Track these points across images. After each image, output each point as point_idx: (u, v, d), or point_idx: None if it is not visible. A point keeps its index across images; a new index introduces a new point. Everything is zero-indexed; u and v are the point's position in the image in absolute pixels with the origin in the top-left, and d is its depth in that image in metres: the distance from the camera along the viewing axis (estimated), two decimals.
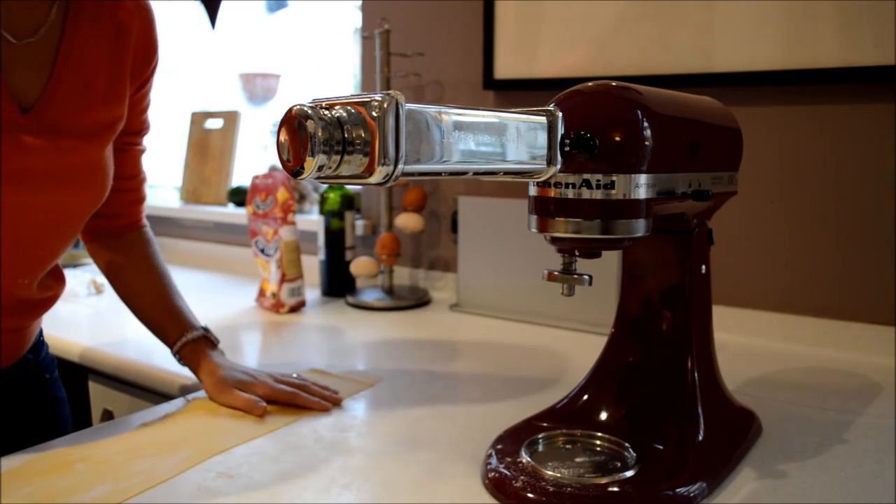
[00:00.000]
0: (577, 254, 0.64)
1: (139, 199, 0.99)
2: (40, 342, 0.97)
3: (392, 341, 1.16)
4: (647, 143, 0.60)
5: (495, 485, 0.65)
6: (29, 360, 0.93)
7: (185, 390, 0.94)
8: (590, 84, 0.63)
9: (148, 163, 0.99)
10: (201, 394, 0.89)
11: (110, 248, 0.97)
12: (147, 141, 0.98)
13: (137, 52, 0.88)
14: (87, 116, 0.83)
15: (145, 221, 1.01)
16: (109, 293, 1.48)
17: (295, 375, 0.91)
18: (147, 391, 1.04)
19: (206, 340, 0.92)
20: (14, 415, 0.90)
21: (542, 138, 0.56)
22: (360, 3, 1.60)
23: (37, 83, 0.80)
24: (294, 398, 0.85)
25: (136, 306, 0.96)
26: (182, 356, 0.91)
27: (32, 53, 0.80)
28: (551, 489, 0.62)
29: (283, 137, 0.45)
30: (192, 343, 0.91)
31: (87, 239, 0.98)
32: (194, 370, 0.90)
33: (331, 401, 0.87)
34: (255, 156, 2.07)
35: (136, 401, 1.06)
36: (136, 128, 0.94)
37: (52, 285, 0.90)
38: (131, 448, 0.74)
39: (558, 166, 0.58)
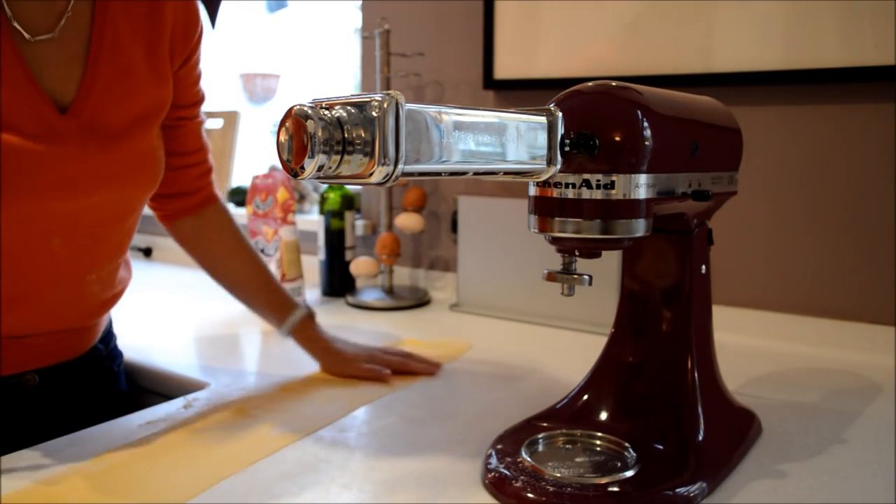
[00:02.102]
0: (577, 254, 0.64)
1: (206, 171, 0.98)
2: (110, 333, 0.99)
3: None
4: (646, 143, 0.60)
5: (495, 485, 0.65)
6: (100, 351, 0.94)
7: (185, 390, 0.94)
8: (590, 84, 0.63)
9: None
10: (201, 394, 0.89)
11: (192, 227, 0.98)
12: (203, 110, 0.96)
13: (177, 26, 0.86)
14: (128, 107, 0.81)
15: (218, 192, 1.00)
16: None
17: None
18: (147, 391, 1.04)
19: (311, 317, 0.98)
20: (83, 404, 0.91)
21: (542, 138, 0.56)
22: (360, 3, 1.60)
23: (72, 80, 0.78)
24: (405, 365, 0.95)
25: (234, 288, 1.00)
26: (294, 335, 0.97)
27: (60, 49, 0.77)
28: (551, 489, 0.62)
29: (283, 137, 0.45)
30: (301, 322, 0.97)
31: (165, 222, 0.98)
32: (308, 348, 0.97)
33: (434, 365, 0.97)
34: (255, 156, 2.07)
35: (137, 401, 1.06)
36: (190, 100, 0.92)
37: (122, 278, 0.92)
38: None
39: (558, 166, 0.58)
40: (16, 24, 0.74)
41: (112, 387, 0.98)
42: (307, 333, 0.97)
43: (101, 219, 0.83)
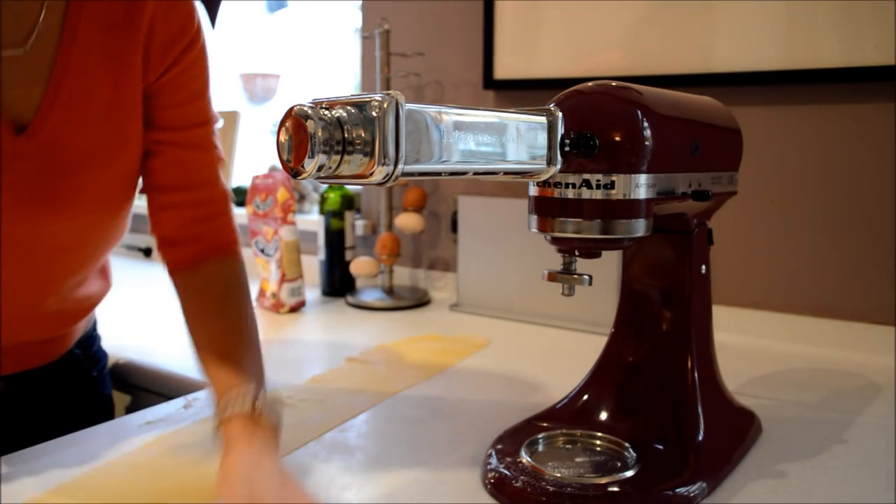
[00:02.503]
0: (577, 254, 0.64)
1: (213, 216, 0.78)
2: (92, 336, 0.95)
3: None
4: (646, 143, 0.60)
5: (495, 485, 0.65)
6: (76, 356, 0.90)
7: (185, 390, 0.94)
8: (590, 84, 0.63)
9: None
10: (201, 394, 0.89)
11: (182, 285, 0.78)
12: (215, 140, 0.78)
13: (155, 29, 0.73)
14: (91, 132, 0.72)
15: (238, 249, 0.80)
16: (109, 293, 1.48)
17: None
18: (147, 391, 1.04)
19: (248, 419, 0.65)
20: (55, 410, 0.88)
21: (542, 138, 0.56)
22: (360, 3, 1.60)
23: (32, 99, 0.69)
24: None
25: (195, 347, 0.75)
26: (217, 426, 0.66)
27: (25, 64, 0.69)
28: (551, 489, 0.62)
29: (283, 137, 0.45)
30: (232, 419, 0.65)
31: (169, 270, 0.79)
32: (222, 450, 0.64)
33: None
34: (255, 156, 2.07)
35: (137, 401, 1.06)
36: (175, 122, 0.76)
37: (92, 294, 0.86)
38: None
39: (558, 166, 0.58)
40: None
41: (92, 391, 0.93)
42: (231, 435, 0.64)
43: (57, 246, 0.74)
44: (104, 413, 0.96)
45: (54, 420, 0.86)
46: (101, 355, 0.97)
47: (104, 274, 0.89)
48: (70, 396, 0.90)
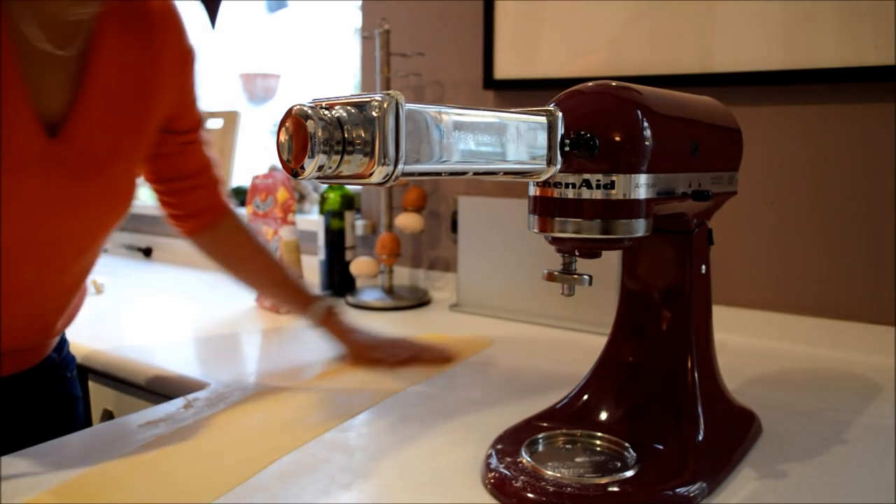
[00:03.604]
0: (577, 254, 0.64)
1: (215, 185, 1.00)
2: (63, 340, 0.98)
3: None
4: (647, 143, 0.60)
5: (495, 485, 0.65)
6: (52, 359, 0.93)
7: (185, 390, 0.94)
8: (590, 84, 0.63)
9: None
10: (201, 394, 0.89)
11: (211, 239, 1.02)
12: (204, 132, 0.99)
13: (169, 61, 0.86)
14: (115, 138, 0.80)
15: (228, 202, 1.03)
16: (110, 293, 1.48)
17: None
18: (147, 391, 1.04)
19: (332, 308, 1.03)
20: (33, 412, 0.90)
21: (542, 138, 0.56)
22: (360, 3, 1.60)
23: (60, 100, 0.74)
24: (425, 353, 1.02)
25: (257, 287, 1.09)
26: (319, 326, 1.02)
27: (58, 67, 0.74)
28: (551, 489, 0.62)
29: (282, 137, 0.45)
30: (325, 313, 1.02)
31: (187, 237, 1.01)
32: (333, 337, 1.03)
33: (449, 357, 1.03)
34: (255, 156, 2.07)
35: (137, 401, 1.06)
36: (190, 125, 0.94)
37: (75, 305, 0.92)
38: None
39: (558, 166, 0.58)
40: (41, 44, 0.72)
41: (65, 393, 0.97)
42: (331, 324, 1.03)
43: (75, 248, 0.82)
44: (78, 411, 0.99)
45: (38, 421, 0.89)
46: (71, 358, 1.00)
47: (83, 289, 0.93)
48: (50, 398, 0.93)
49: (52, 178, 0.74)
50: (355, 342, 1.02)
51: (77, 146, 0.75)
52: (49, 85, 0.73)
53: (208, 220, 1.00)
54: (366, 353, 1.01)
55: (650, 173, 0.60)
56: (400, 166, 0.45)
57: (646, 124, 0.60)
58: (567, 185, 0.60)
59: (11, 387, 0.87)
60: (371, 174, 0.45)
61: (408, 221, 1.42)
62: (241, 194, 1.84)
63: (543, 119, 0.56)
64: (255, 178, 1.41)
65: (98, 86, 0.76)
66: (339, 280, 1.49)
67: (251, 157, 2.03)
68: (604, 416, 0.74)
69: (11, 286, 0.77)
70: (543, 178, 0.59)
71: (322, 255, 1.49)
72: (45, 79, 0.73)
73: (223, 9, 1.80)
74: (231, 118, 1.93)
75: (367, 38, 1.50)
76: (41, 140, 0.72)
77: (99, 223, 0.84)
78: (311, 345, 1.17)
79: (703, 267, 0.74)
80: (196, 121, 0.95)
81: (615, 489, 0.63)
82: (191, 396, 0.89)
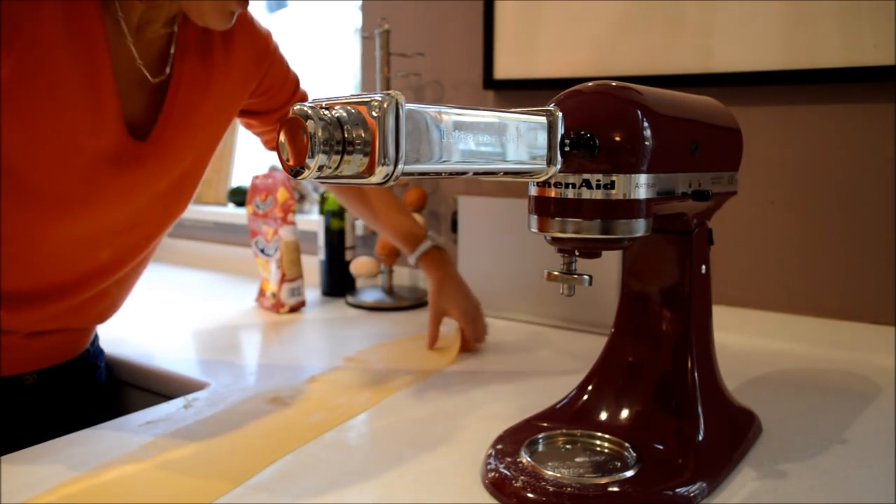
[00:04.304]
0: (577, 254, 0.64)
1: None
2: (95, 332, 1.03)
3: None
4: (646, 143, 0.60)
5: (495, 485, 0.65)
6: (89, 350, 0.99)
7: (185, 390, 0.94)
8: (590, 84, 0.63)
9: None
10: (201, 394, 0.89)
11: (336, 189, 1.16)
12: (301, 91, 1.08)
13: (245, 59, 0.94)
14: (196, 139, 0.90)
15: None
16: None
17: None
18: (147, 391, 1.04)
19: (438, 249, 1.10)
20: (75, 400, 0.96)
21: (542, 138, 0.56)
22: (360, 3, 1.60)
23: (145, 112, 0.85)
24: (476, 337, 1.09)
25: (371, 219, 1.15)
26: (419, 262, 1.10)
27: (145, 87, 0.85)
28: (551, 489, 0.62)
29: (283, 138, 0.45)
30: (429, 252, 1.10)
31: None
32: (428, 275, 1.10)
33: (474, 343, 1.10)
34: (255, 156, 2.07)
35: (137, 401, 1.06)
36: (287, 98, 1.03)
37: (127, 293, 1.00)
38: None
39: (558, 166, 0.58)
40: (141, 66, 0.83)
41: (97, 381, 1.03)
42: (431, 262, 1.09)
43: (146, 234, 0.92)
44: (106, 402, 1.04)
45: (75, 411, 0.94)
46: (101, 349, 1.05)
47: None
48: (85, 388, 0.99)
49: (133, 172, 0.84)
50: (439, 288, 1.08)
51: (163, 148, 0.86)
52: (137, 100, 0.84)
53: None
54: (444, 304, 1.08)
55: (650, 173, 0.60)
56: (400, 166, 0.45)
57: (646, 124, 0.60)
58: (567, 185, 0.60)
59: (56, 376, 0.93)
60: (371, 174, 0.45)
61: None
62: (241, 194, 1.84)
63: (543, 119, 0.56)
64: (255, 178, 1.41)
65: (176, 104, 0.87)
66: (338, 280, 1.49)
67: (251, 157, 2.03)
68: (604, 416, 0.74)
69: (88, 268, 0.87)
70: (543, 178, 0.59)
71: (322, 255, 1.49)
72: (134, 94, 0.84)
73: None
74: None
75: (367, 38, 1.50)
76: (128, 141, 0.82)
77: (167, 212, 0.92)
78: (311, 345, 1.17)
79: (703, 267, 0.74)
80: (291, 90, 1.04)
81: (615, 489, 0.63)
82: (191, 396, 0.89)
